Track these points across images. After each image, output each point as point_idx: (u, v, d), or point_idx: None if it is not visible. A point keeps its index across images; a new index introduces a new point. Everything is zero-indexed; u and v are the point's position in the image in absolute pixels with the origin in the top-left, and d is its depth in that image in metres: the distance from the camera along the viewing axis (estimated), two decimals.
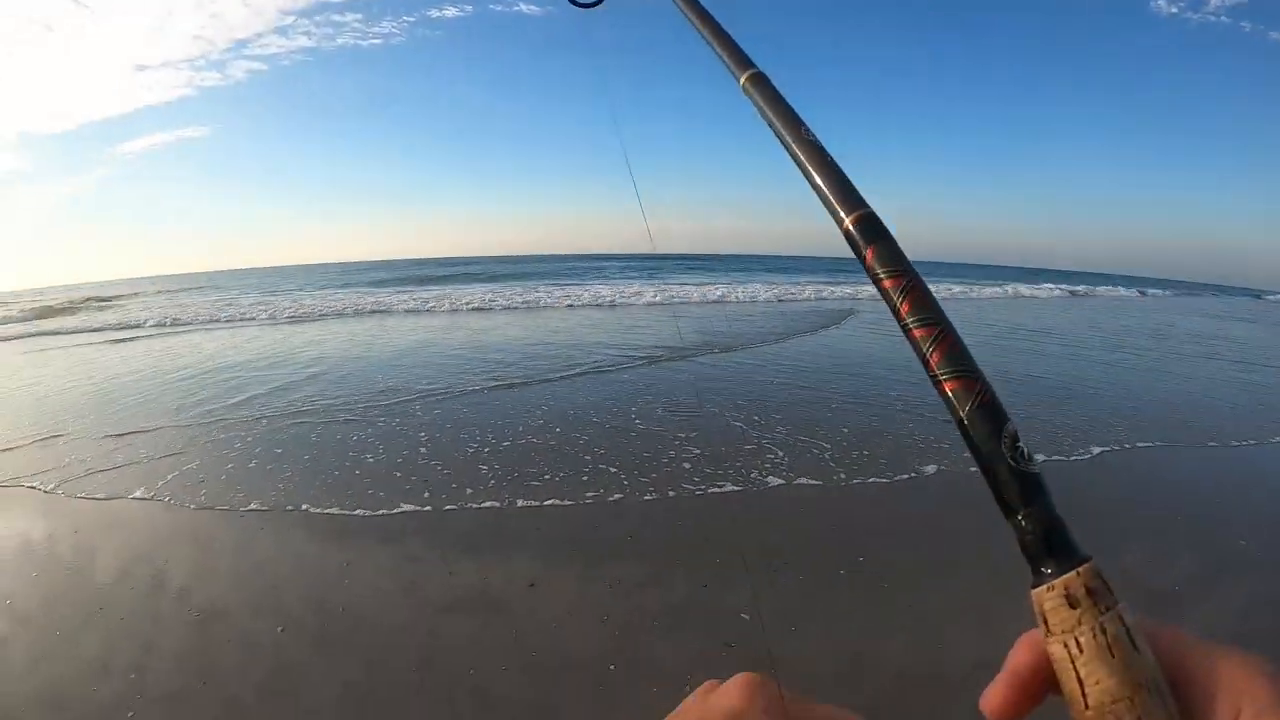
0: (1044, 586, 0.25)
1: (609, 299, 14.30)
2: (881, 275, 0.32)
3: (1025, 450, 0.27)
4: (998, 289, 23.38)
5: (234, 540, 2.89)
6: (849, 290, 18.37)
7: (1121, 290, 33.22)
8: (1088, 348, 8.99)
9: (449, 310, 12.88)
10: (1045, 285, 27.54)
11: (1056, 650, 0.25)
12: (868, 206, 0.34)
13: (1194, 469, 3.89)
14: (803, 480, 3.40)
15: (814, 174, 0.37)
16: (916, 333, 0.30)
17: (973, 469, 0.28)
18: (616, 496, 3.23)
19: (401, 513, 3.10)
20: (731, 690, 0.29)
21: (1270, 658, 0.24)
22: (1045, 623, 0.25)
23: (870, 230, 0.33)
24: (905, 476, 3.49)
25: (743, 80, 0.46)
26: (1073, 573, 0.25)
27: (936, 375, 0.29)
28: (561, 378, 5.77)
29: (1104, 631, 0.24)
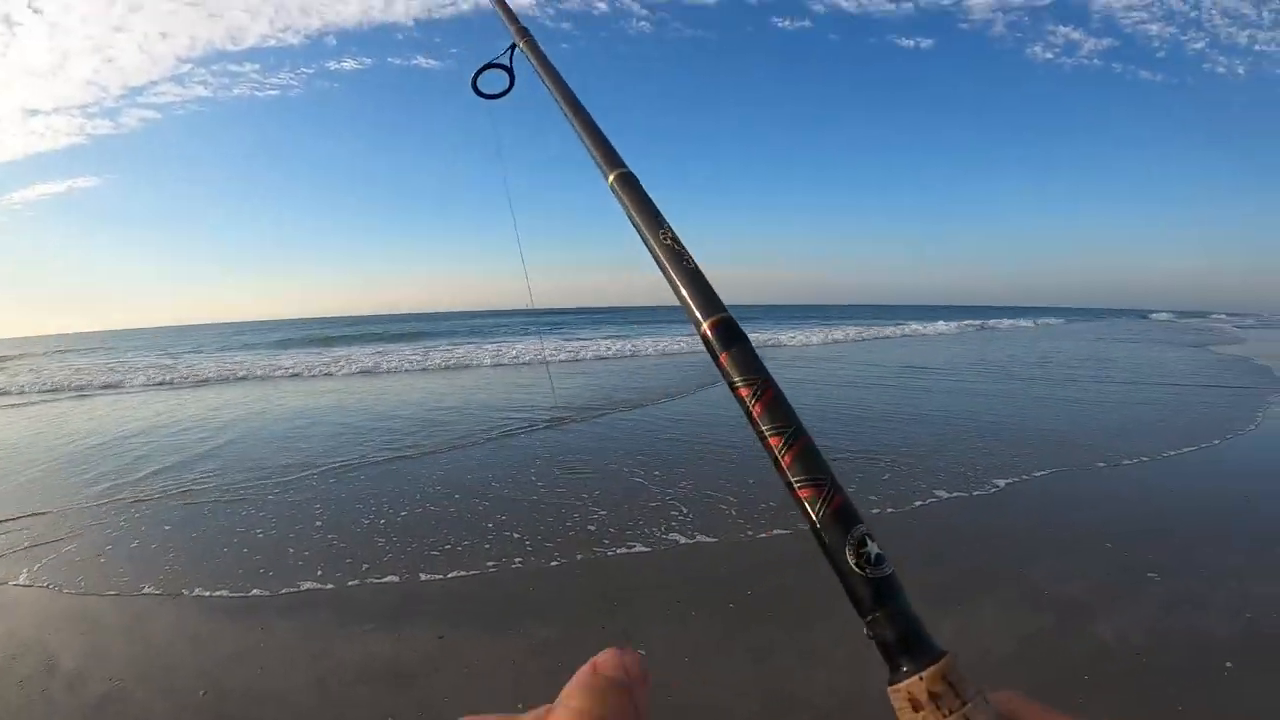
0: (893, 686, 0.26)
1: (509, 357, 14.18)
2: (737, 381, 0.33)
3: (873, 554, 0.28)
4: (895, 328, 25.15)
5: (125, 625, 2.71)
6: (763, 336, 19.61)
7: (1021, 321, 37.24)
8: (977, 381, 9.67)
9: (346, 374, 12.34)
10: (941, 322, 30.14)
11: None
12: (725, 311, 0.36)
13: (1090, 490, 4.17)
14: (701, 537, 3.40)
15: (674, 276, 0.38)
16: (771, 440, 0.31)
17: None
18: (518, 563, 3.14)
19: (299, 591, 2.94)
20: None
21: None
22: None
23: (727, 335, 0.34)
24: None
25: (611, 178, 0.47)
26: (915, 677, 0.25)
27: (790, 482, 0.30)
28: (461, 445, 5.56)
29: None
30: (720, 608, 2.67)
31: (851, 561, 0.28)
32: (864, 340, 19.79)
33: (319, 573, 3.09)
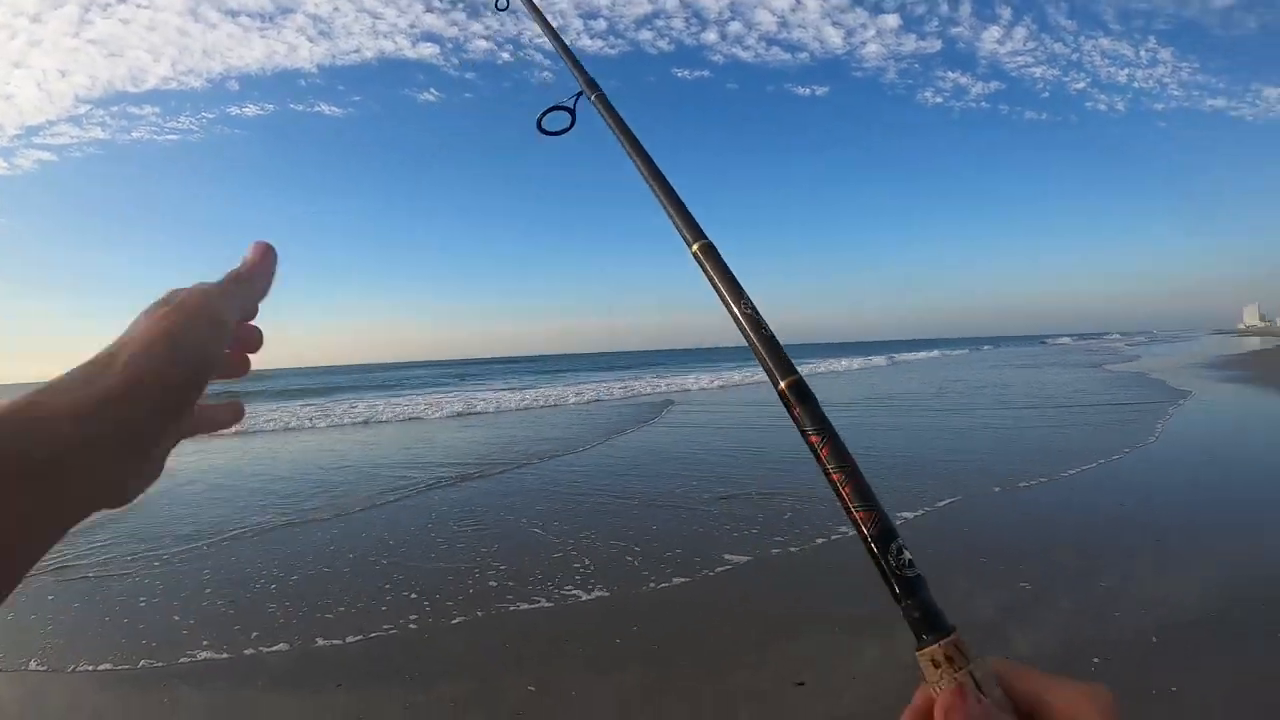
0: (920, 651, 0.36)
1: (408, 412, 13.79)
2: (809, 430, 0.44)
3: (908, 559, 0.39)
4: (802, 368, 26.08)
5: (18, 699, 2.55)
6: (666, 382, 19.80)
7: (926, 354, 39.63)
8: (880, 414, 10.06)
9: (242, 432, 11.63)
10: (845, 360, 31.59)
11: (941, 688, 0.35)
12: (798, 373, 0.46)
13: (993, 515, 4.43)
14: (600, 592, 3.34)
15: (755, 343, 0.48)
16: (835, 476, 0.42)
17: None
18: (414, 622, 3.05)
19: (192, 661, 2.79)
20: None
21: (1103, 685, 0.33)
22: (923, 677, 0.36)
23: (799, 393, 0.45)
24: (719, 570, 3.57)
25: (695, 248, 0.57)
26: (936, 644, 0.36)
27: (850, 506, 0.41)
28: (359, 507, 5.29)
29: (971, 675, 0.34)
30: (635, 656, 2.68)
31: (892, 565, 0.39)
32: (757, 382, 19.47)
33: (209, 641, 2.95)
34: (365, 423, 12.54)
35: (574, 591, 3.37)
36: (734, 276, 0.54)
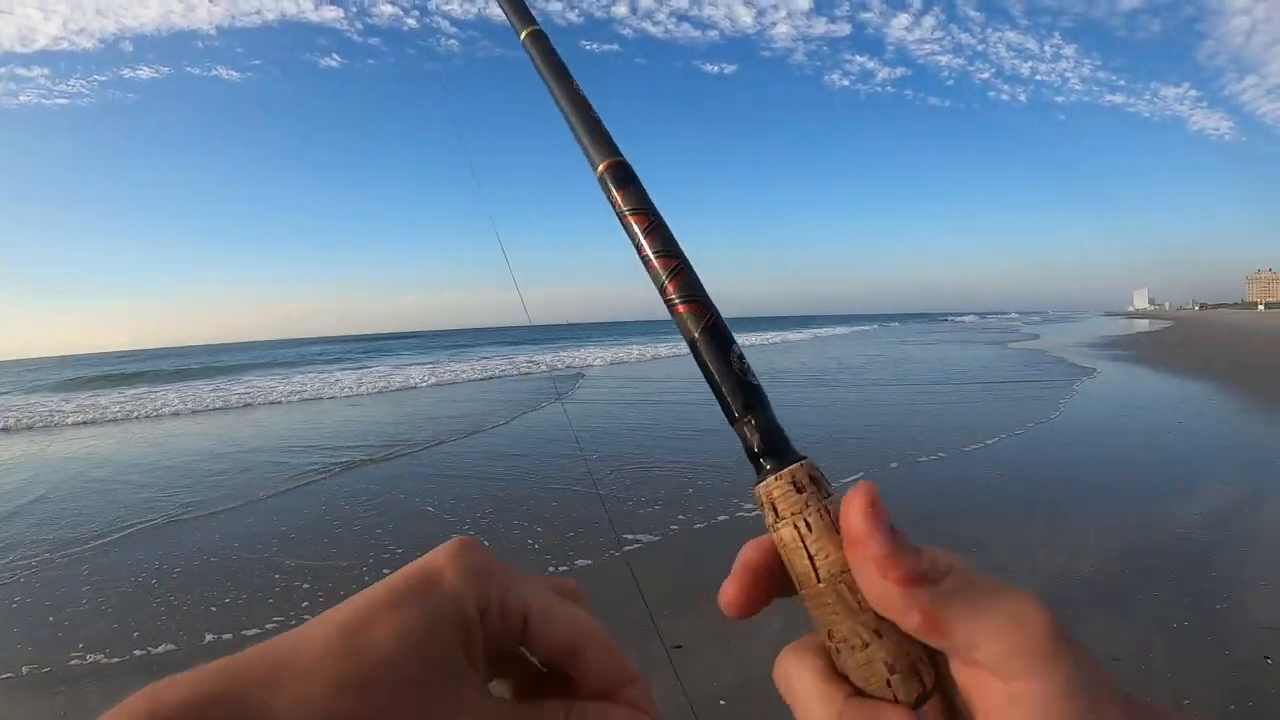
0: (772, 477, 0.27)
1: (308, 391, 12.74)
2: (628, 212, 0.34)
3: (748, 366, 0.30)
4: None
5: None
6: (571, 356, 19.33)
7: (842, 329, 41.36)
8: (783, 389, 9.78)
9: (135, 417, 10.74)
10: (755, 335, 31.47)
11: (787, 533, 0.26)
12: (620, 155, 0.36)
13: (889, 490, 4.34)
14: None
15: (575, 122, 0.38)
16: (656, 263, 0.32)
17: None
18: (306, 612, 2.92)
19: (81, 664, 2.59)
20: (440, 551, 0.29)
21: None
22: (774, 509, 0.27)
23: (620, 176, 0.35)
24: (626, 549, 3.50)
25: (523, 36, 0.45)
26: (797, 464, 0.27)
27: (671, 300, 0.31)
28: (247, 499, 4.88)
29: (828, 512, 0.26)
30: None
31: (734, 368, 0.30)
32: (677, 356, 18.25)
33: (94, 644, 2.72)
34: (273, 403, 11.64)
35: None
36: (561, 61, 0.43)
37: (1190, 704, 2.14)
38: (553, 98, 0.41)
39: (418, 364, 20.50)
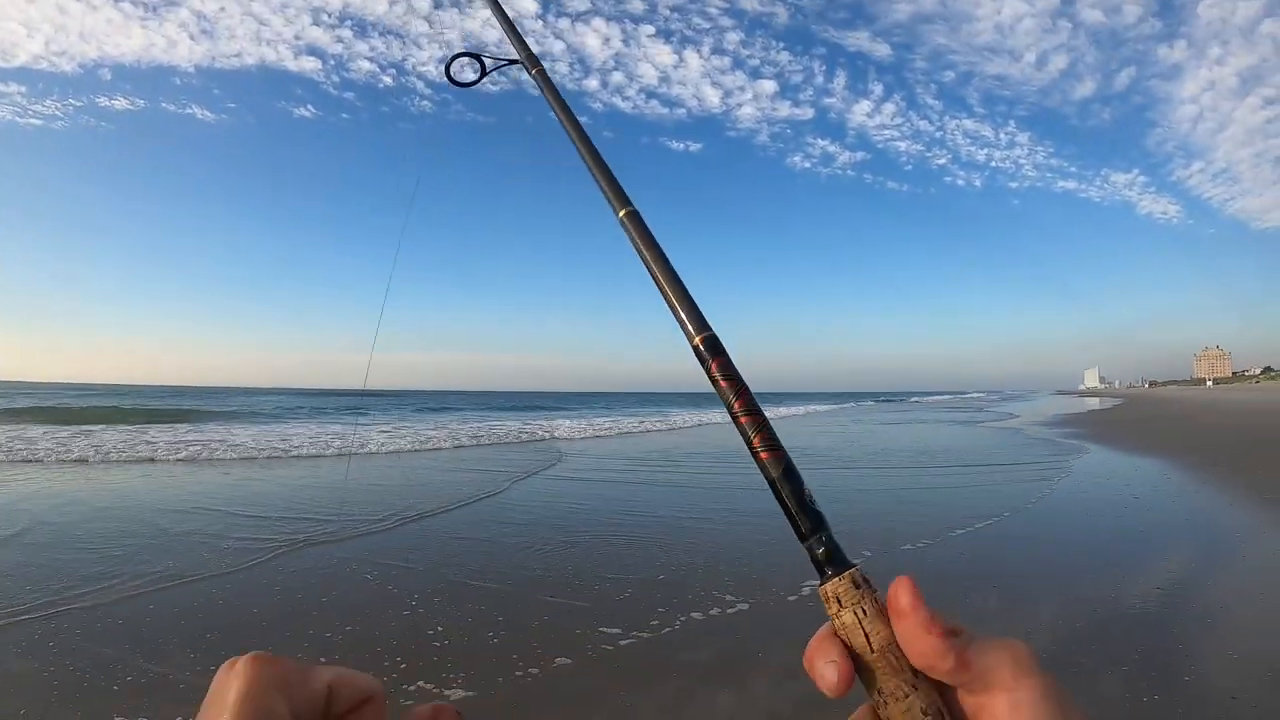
0: (835, 579, 0.37)
1: (271, 449, 11.39)
2: (720, 379, 0.46)
3: (810, 497, 0.41)
4: (658, 419, 24.17)
5: None
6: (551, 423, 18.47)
7: (818, 406, 42.19)
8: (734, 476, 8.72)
9: (66, 460, 9.56)
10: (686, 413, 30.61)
11: (848, 618, 0.36)
12: (711, 329, 0.48)
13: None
14: (460, 690, 2.75)
15: (673, 300, 0.50)
16: (744, 420, 0.44)
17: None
18: None
19: None
20: (239, 671, 0.30)
21: (1017, 640, 0.33)
22: (839, 601, 0.36)
23: (713, 348, 0.47)
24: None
25: (621, 214, 0.58)
26: (854, 568, 0.37)
27: (756, 450, 0.43)
28: (181, 578, 4.07)
29: (876, 601, 0.36)
30: None
31: (808, 498, 0.41)
32: (636, 433, 17.59)
33: None
34: (234, 459, 10.35)
35: (428, 686, 2.78)
36: (655, 240, 0.55)
37: None
38: (649, 272, 0.54)
39: (395, 424, 19.24)
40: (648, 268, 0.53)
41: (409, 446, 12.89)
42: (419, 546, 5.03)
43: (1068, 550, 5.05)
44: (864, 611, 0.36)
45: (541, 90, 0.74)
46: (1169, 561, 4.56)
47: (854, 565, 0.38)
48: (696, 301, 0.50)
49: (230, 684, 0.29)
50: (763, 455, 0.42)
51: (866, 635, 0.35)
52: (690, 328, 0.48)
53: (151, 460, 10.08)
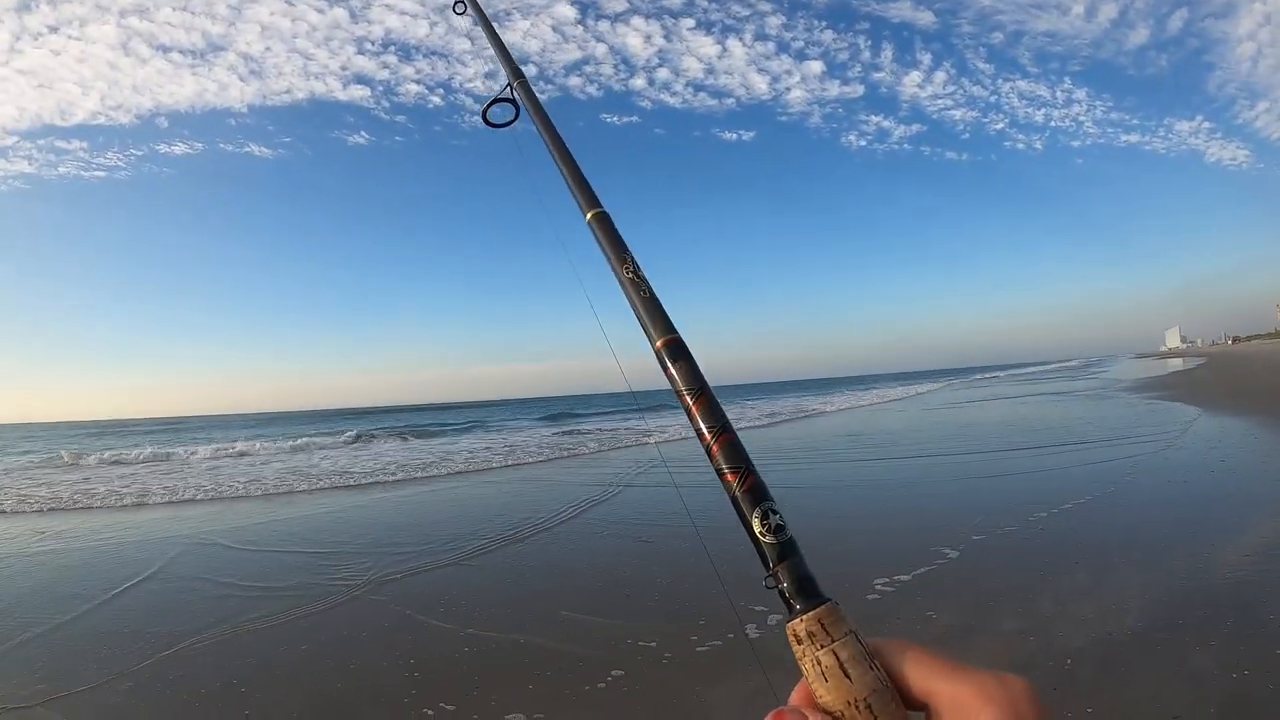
0: (798, 619, 0.33)
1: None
2: (682, 389, 0.42)
3: (774, 524, 0.37)
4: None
5: None
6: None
7: (929, 385, 40.09)
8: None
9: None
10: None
11: (808, 665, 0.32)
12: (675, 333, 0.45)
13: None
14: None
15: (635, 302, 0.47)
16: (707, 435, 0.40)
17: None
18: None
19: None
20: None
21: (1006, 676, 0.28)
22: (810, 640, 0.32)
23: (675, 352, 0.44)
24: None
25: (589, 216, 0.55)
26: (828, 603, 0.33)
27: (719, 468, 0.39)
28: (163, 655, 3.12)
29: (819, 662, 0.31)
30: None
31: (758, 528, 0.36)
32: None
33: None
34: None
35: None
36: (622, 241, 0.52)
37: None
38: (615, 274, 0.50)
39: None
40: (613, 270, 0.50)
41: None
42: None
43: (1156, 520, 4.80)
44: (819, 661, 0.31)
45: (522, 101, 0.75)
46: (1258, 529, 4.30)
47: (827, 600, 0.34)
48: (663, 304, 0.47)
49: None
50: (726, 475, 0.38)
51: (843, 679, 0.30)
52: (653, 331, 0.45)
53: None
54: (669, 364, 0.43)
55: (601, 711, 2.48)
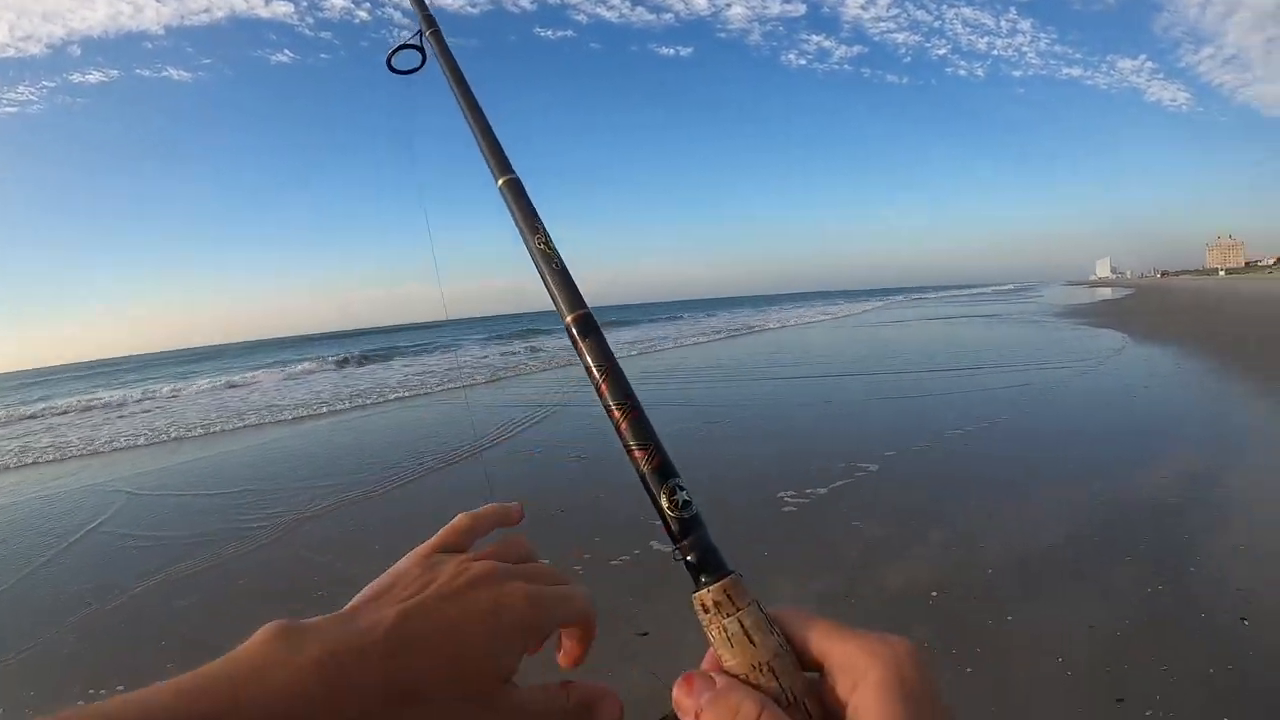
0: (705, 590, 0.35)
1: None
2: (591, 364, 0.41)
3: (681, 500, 0.37)
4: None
5: None
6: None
7: (867, 304, 40.99)
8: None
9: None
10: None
11: (714, 633, 0.34)
12: (586, 307, 0.44)
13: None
14: None
15: (545, 274, 0.46)
16: (615, 412, 0.40)
17: None
18: None
19: None
20: (256, 640, 0.29)
21: (889, 636, 0.31)
22: (716, 609, 0.34)
23: (585, 327, 0.43)
24: None
25: (500, 182, 0.52)
26: (705, 589, 0.35)
27: (627, 445, 0.39)
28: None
29: (725, 629, 0.33)
30: None
31: (664, 504, 0.37)
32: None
33: None
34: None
35: None
36: (534, 210, 0.50)
37: (1167, 670, 2.17)
38: (525, 244, 0.48)
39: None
40: (524, 239, 0.48)
41: None
42: None
43: (1078, 442, 5.10)
44: (741, 623, 0.33)
45: (435, 52, 0.69)
46: (1176, 453, 4.58)
47: (731, 572, 0.35)
48: (574, 277, 0.46)
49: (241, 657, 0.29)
50: (633, 452, 0.39)
51: (747, 644, 0.33)
52: (564, 305, 0.44)
53: None
54: (578, 339, 0.43)
55: None
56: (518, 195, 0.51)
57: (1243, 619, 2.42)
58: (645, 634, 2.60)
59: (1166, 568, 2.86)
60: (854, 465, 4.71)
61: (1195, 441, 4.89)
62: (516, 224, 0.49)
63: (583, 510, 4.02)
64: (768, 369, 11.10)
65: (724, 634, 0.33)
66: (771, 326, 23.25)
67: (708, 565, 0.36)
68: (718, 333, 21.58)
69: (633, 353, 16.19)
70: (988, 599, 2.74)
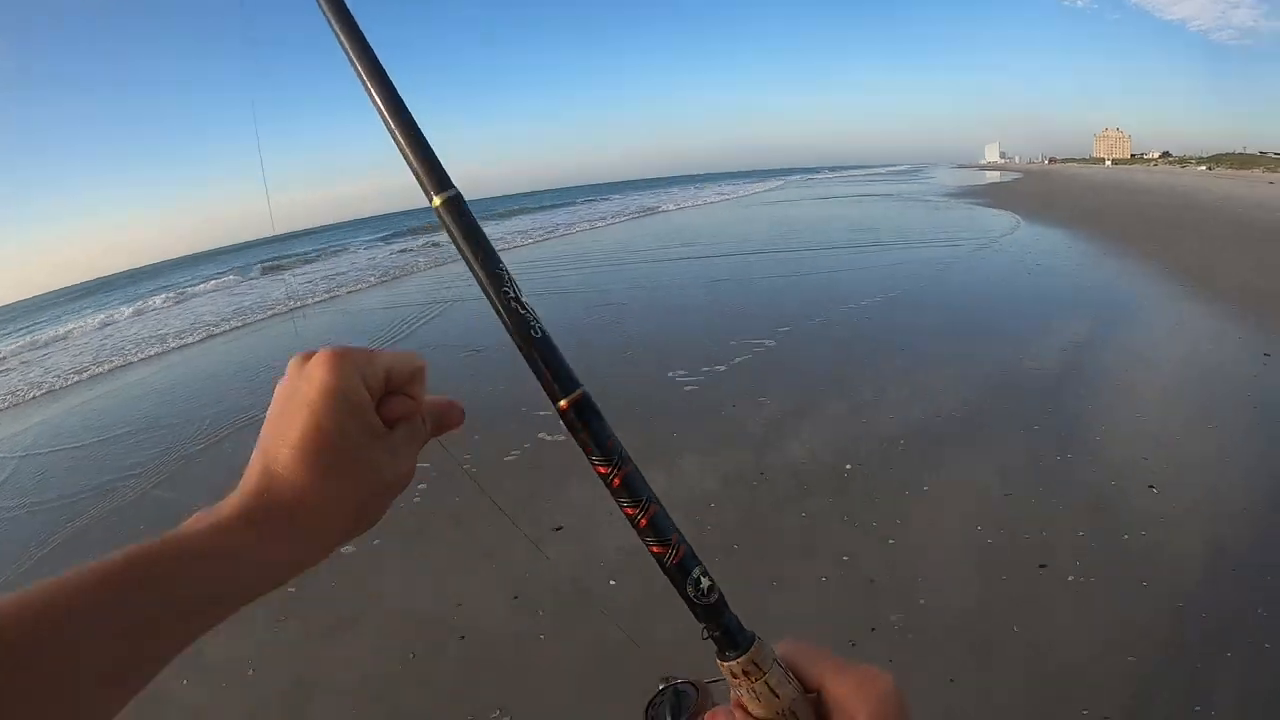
0: (734, 661, 0.37)
1: None
2: (596, 459, 0.37)
3: (705, 588, 0.37)
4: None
5: None
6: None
7: (763, 185, 41.55)
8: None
9: None
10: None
11: (744, 695, 0.37)
12: (581, 386, 0.37)
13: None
14: None
15: (535, 356, 0.38)
16: (629, 510, 0.37)
17: None
18: None
19: None
20: (320, 361, 0.34)
21: (877, 677, 0.34)
22: (744, 675, 0.37)
23: (583, 412, 0.37)
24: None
25: (438, 203, 0.41)
26: (734, 661, 0.37)
27: (646, 540, 0.37)
28: None
29: (754, 691, 0.36)
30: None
31: (691, 595, 0.37)
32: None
33: None
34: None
35: None
36: (484, 235, 0.40)
37: (1084, 535, 2.25)
38: (473, 273, 0.39)
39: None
40: (471, 270, 0.39)
41: None
42: None
43: (973, 316, 5.38)
44: (767, 684, 0.36)
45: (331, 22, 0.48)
46: (1065, 326, 4.78)
47: (754, 639, 0.37)
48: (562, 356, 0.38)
49: (314, 372, 0.33)
50: (653, 548, 0.38)
51: (772, 698, 0.36)
52: (557, 389, 0.37)
53: None
54: (578, 428, 0.38)
55: (406, 526, 2.66)
56: (462, 215, 0.40)
57: (1150, 486, 2.50)
58: (560, 528, 2.60)
59: (1074, 438, 2.93)
60: (751, 342, 4.82)
61: (1082, 315, 5.09)
62: (462, 252, 0.39)
63: (474, 410, 3.99)
64: (665, 251, 11.17)
65: (753, 694, 0.37)
66: (669, 209, 22.99)
67: (734, 641, 0.38)
68: (616, 216, 21.15)
69: (528, 241, 15.64)
70: (902, 471, 2.79)
